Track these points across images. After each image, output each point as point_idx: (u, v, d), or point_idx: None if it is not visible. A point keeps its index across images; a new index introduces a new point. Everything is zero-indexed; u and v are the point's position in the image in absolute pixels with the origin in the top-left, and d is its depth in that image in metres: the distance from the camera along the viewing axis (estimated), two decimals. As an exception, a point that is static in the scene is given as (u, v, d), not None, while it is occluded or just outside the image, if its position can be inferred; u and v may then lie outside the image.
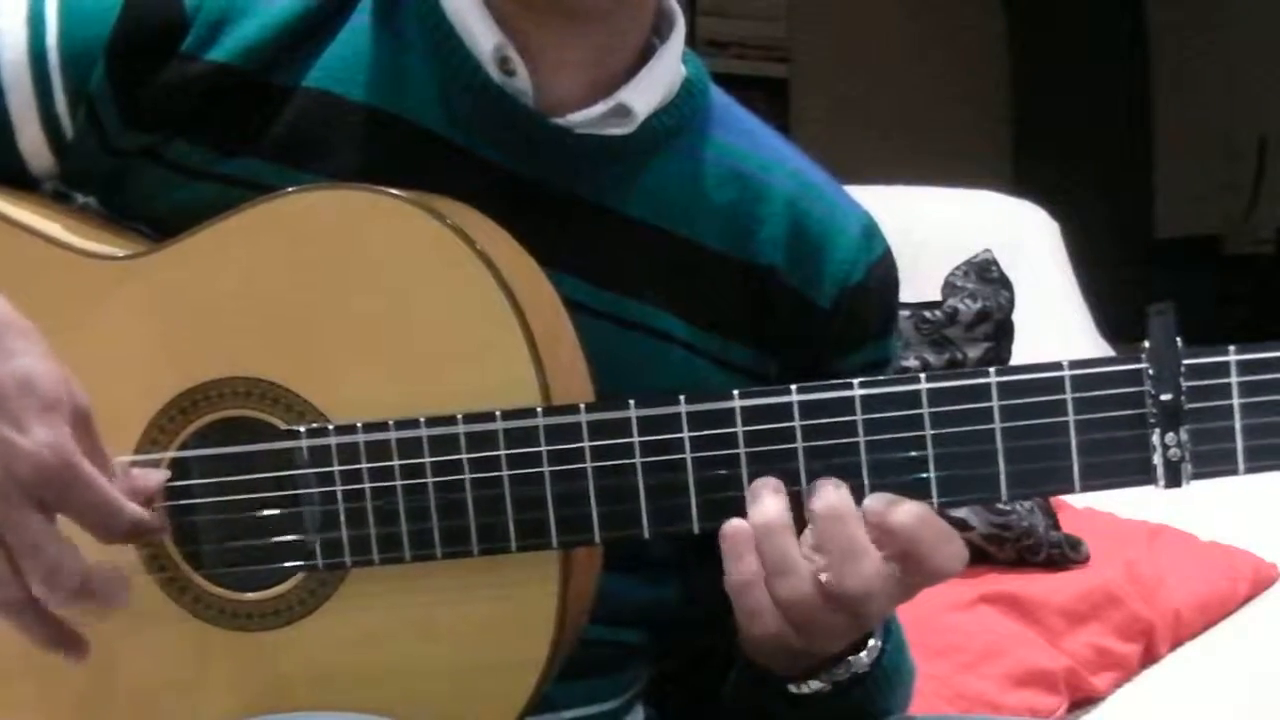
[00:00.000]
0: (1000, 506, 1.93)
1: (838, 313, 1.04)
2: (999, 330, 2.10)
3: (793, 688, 0.96)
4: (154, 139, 0.99)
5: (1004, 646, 1.70)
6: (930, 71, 4.64)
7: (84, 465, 0.84)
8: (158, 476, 0.92)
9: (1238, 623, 1.92)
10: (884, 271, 1.07)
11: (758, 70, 4.46)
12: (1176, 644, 1.85)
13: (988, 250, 2.17)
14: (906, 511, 0.86)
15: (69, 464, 0.84)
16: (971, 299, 2.10)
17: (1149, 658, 1.82)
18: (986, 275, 2.14)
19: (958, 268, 2.16)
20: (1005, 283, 2.13)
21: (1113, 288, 2.82)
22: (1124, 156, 4.76)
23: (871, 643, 0.97)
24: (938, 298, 2.12)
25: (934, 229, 2.39)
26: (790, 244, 1.04)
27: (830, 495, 0.87)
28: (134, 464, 0.93)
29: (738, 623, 0.92)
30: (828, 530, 0.87)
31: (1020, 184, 3.06)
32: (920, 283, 2.06)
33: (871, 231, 1.07)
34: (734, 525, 0.88)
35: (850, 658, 0.96)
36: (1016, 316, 2.12)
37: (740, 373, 1.03)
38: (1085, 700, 1.72)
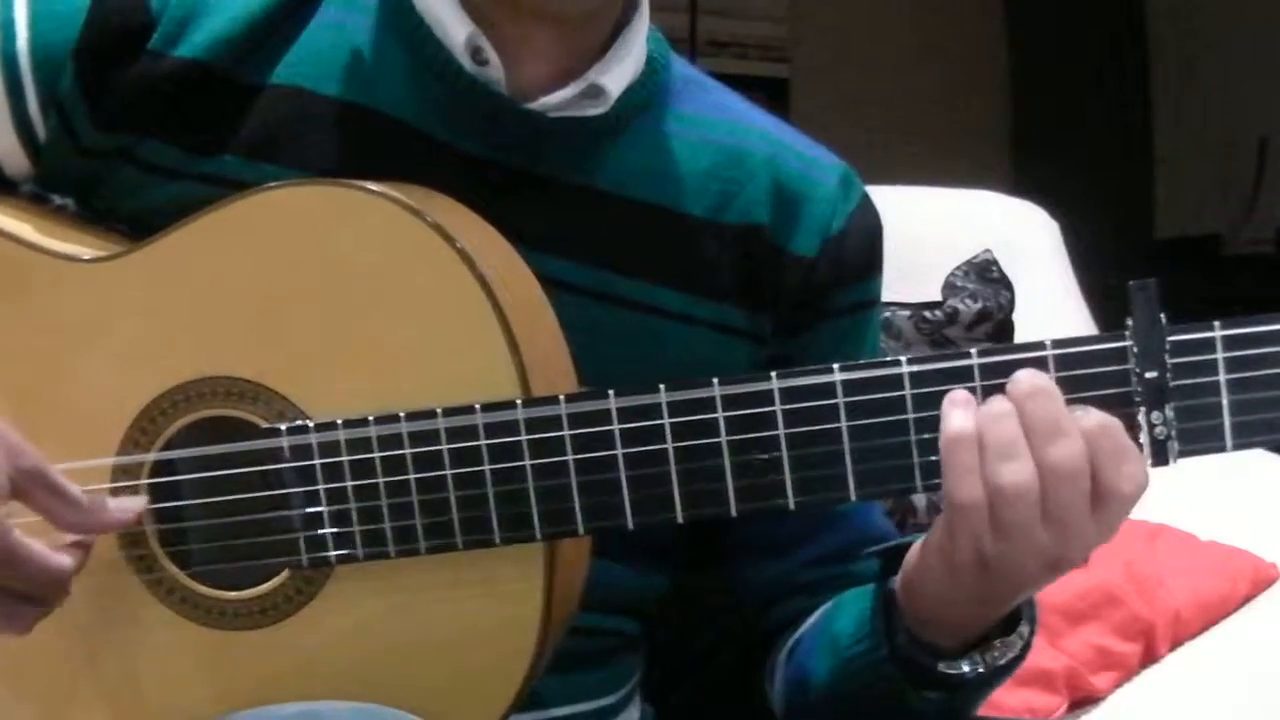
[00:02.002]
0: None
1: (822, 261, 1.06)
2: (999, 330, 2.10)
3: (944, 666, 0.94)
4: (126, 140, 0.99)
5: (1003, 647, 1.69)
6: (930, 71, 4.63)
7: (17, 544, 0.86)
8: (135, 505, 0.92)
9: (1238, 623, 1.91)
10: (863, 217, 1.09)
11: (758, 70, 4.45)
12: (1176, 644, 1.84)
13: (988, 250, 2.16)
14: (1091, 415, 0.84)
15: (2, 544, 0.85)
16: (971, 299, 2.10)
17: (1149, 658, 1.80)
18: (986, 275, 2.14)
19: (958, 268, 2.15)
20: (1005, 283, 2.12)
21: (1113, 288, 2.81)
22: (1124, 156, 4.75)
23: (1021, 627, 0.95)
24: (938, 298, 2.11)
25: (934, 229, 2.38)
26: (773, 202, 1.05)
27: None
28: (113, 491, 0.94)
29: (924, 561, 0.90)
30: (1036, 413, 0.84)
31: (1020, 184, 3.04)
32: (920, 283, 2.05)
33: (849, 180, 1.08)
34: (955, 428, 0.84)
35: (999, 640, 0.94)
36: (1016, 316, 2.11)
37: (736, 335, 1.04)
38: (1085, 700, 1.71)
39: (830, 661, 1.01)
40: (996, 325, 2.09)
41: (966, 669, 0.94)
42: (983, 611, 0.92)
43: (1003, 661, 0.95)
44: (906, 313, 2.06)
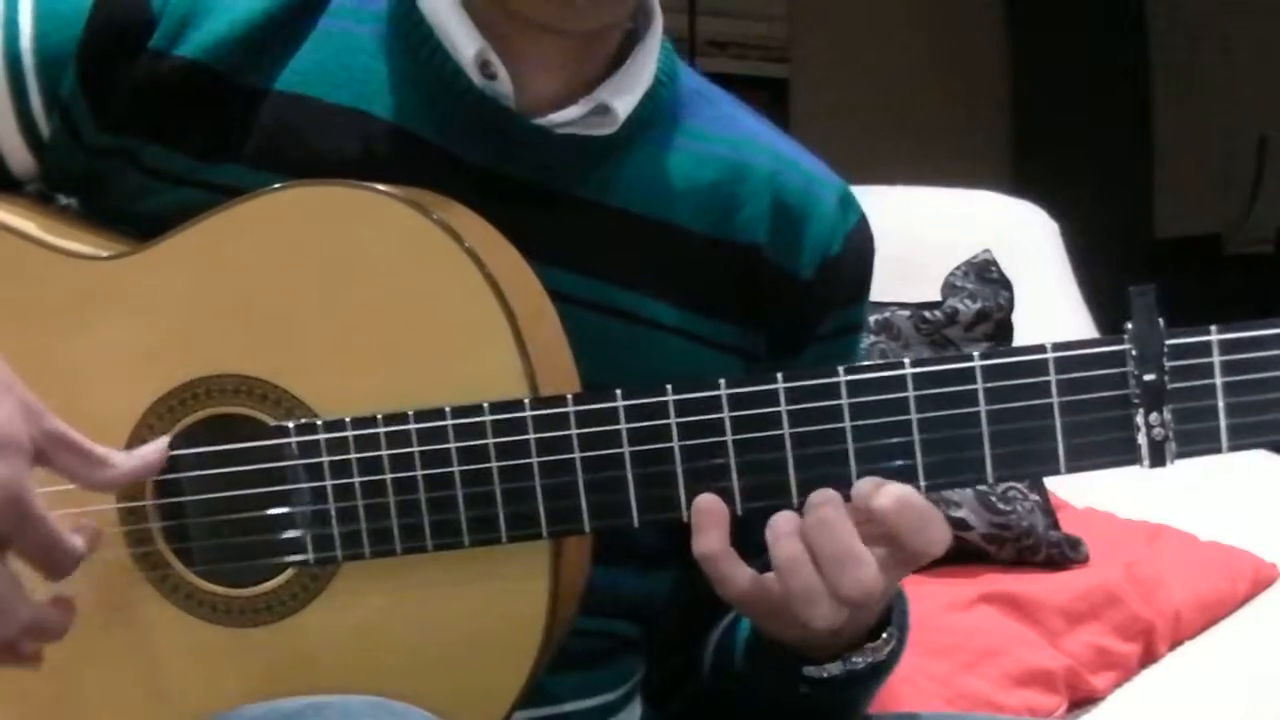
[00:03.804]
0: (1000, 506, 1.93)
1: (818, 283, 1.06)
2: (999, 330, 2.10)
3: (811, 671, 0.96)
4: (128, 142, 0.99)
5: (1004, 646, 1.70)
6: (930, 72, 4.63)
7: (32, 505, 0.85)
8: (158, 448, 0.92)
9: (1238, 623, 1.91)
10: (860, 239, 1.09)
11: (758, 70, 4.45)
12: (1176, 644, 1.84)
13: (988, 250, 2.16)
14: (887, 494, 0.87)
15: (16, 502, 0.84)
16: (971, 299, 2.10)
17: (1149, 658, 1.81)
18: (986, 275, 2.14)
19: (958, 268, 2.15)
20: (1005, 283, 2.13)
21: (1113, 288, 2.81)
22: (1124, 156, 4.75)
23: (886, 634, 0.97)
24: (938, 298, 2.11)
25: (934, 229, 2.38)
26: (772, 221, 1.05)
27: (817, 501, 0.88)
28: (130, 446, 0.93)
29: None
30: (820, 539, 0.87)
31: (1020, 184, 3.04)
32: (920, 283, 2.05)
33: (847, 201, 1.09)
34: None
35: (867, 645, 0.97)
36: (1016, 316, 2.12)
37: (731, 352, 1.05)
38: (1085, 700, 1.72)
39: (740, 644, 1.04)
40: (996, 325, 2.09)
41: (833, 671, 0.97)
42: (811, 638, 0.94)
43: (865, 665, 0.97)
44: (906, 313, 2.07)
